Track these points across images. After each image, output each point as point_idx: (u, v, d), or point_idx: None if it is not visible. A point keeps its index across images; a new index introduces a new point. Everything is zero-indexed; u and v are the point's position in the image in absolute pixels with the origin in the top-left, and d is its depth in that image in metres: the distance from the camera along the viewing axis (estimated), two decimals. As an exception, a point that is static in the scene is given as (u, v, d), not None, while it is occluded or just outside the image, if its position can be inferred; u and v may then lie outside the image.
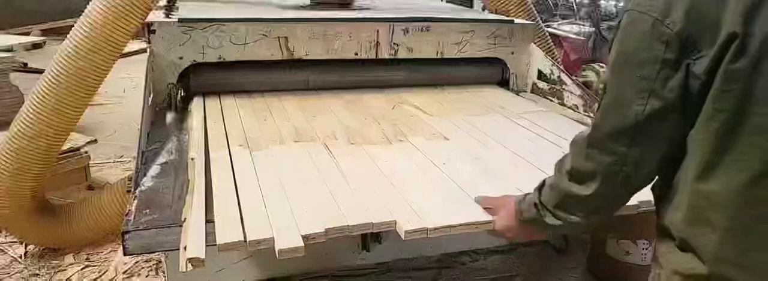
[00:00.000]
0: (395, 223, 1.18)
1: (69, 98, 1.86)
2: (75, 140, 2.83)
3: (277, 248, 1.06)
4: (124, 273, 2.15)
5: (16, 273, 2.17)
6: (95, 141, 2.91)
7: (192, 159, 1.40)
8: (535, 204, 1.03)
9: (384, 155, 1.56)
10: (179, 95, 1.99)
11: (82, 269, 2.19)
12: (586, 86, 2.34)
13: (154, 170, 1.45)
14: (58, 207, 2.23)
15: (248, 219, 1.15)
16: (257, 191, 1.29)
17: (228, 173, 1.37)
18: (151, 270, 2.16)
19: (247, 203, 1.21)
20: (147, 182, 1.38)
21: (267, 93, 2.14)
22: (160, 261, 2.18)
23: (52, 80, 1.84)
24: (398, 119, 1.90)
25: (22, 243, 2.31)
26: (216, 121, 1.79)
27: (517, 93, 2.42)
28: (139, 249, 1.17)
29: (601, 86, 0.93)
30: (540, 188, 1.04)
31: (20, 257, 2.26)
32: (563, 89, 2.26)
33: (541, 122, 1.93)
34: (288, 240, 1.08)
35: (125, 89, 4.56)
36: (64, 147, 2.72)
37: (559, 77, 2.30)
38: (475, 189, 1.33)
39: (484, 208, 1.24)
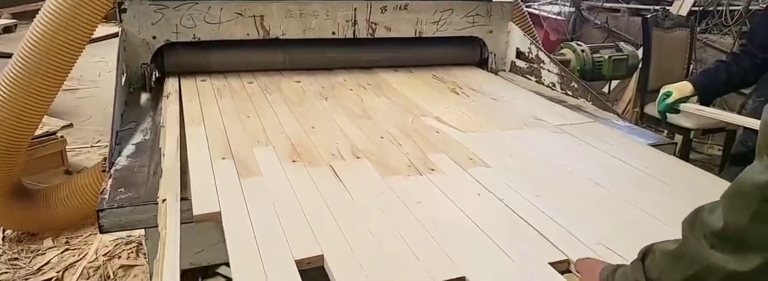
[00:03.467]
0: None
1: (39, 82, 1.83)
2: (50, 124, 2.80)
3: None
4: (105, 255, 2.15)
5: (-5, 257, 2.16)
6: (71, 126, 2.87)
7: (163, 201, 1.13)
8: None
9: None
10: (154, 76, 1.97)
11: (61, 252, 2.18)
12: (563, 64, 2.36)
13: (128, 149, 1.44)
14: (34, 191, 2.21)
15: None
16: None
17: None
18: (132, 252, 2.16)
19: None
20: (121, 161, 1.37)
21: (244, 75, 2.12)
22: (140, 244, 2.18)
23: (21, 64, 1.81)
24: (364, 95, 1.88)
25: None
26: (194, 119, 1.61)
27: (496, 73, 2.43)
28: (115, 226, 1.16)
29: None
30: (643, 257, 0.76)
31: (-2, 242, 2.24)
32: (541, 67, 2.27)
33: (582, 135, 1.60)
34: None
35: (100, 73, 4.48)
36: (39, 132, 2.71)
37: (537, 55, 2.31)
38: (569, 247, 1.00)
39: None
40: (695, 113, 1.82)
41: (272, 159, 1.35)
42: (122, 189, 1.22)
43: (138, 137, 1.52)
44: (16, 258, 2.15)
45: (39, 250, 2.20)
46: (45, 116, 2.89)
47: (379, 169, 1.32)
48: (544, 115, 1.78)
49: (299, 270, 0.91)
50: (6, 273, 2.06)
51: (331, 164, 1.34)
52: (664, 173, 1.35)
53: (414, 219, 1.09)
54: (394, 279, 0.89)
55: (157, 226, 1.08)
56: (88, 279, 2.04)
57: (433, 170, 1.34)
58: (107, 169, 1.32)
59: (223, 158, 1.34)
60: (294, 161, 1.35)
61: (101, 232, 1.17)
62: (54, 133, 2.77)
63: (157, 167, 1.31)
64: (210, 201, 1.11)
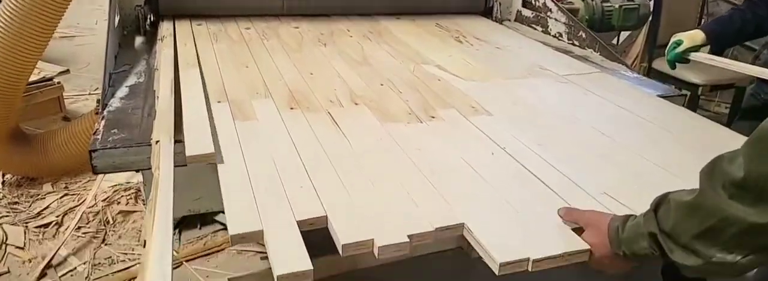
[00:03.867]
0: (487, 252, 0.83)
1: (32, 24, 1.77)
2: (46, 70, 2.75)
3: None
4: (104, 201, 2.15)
5: (-5, 201, 2.17)
6: (67, 71, 2.83)
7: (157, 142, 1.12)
8: (651, 234, 0.71)
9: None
10: (148, 19, 1.91)
11: (60, 197, 2.18)
12: (571, 13, 2.28)
13: (122, 91, 1.41)
14: (32, 137, 2.19)
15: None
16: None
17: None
18: (131, 198, 2.16)
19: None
20: (115, 103, 1.34)
21: (241, 21, 2.05)
22: (139, 190, 2.18)
23: (13, 6, 1.74)
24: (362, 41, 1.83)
25: (-1, 173, 2.29)
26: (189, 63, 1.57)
27: (501, 22, 2.36)
28: (108, 167, 1.15)
29: None
30: (656, 208, 0.73)
31: (-3, 186, 2.24)
32: (548, 16, 2.20)
33: (589, 85, 1.56)
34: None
35: (98, 21, 4.37)
36: (36, 77, 2.66)
37: (544, 3, 2.23)
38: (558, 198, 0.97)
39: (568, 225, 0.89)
40: (706, 63, 1.76)
41: (269, 105, 1.32)
42: (115, 130, 1.20)
43: (132, 80, 1.49)
44: (16, 202, 2.16)
45: (38, 195, 2.21)
46: (42, 63, 2.86)
47: (378, 116, 1.29)
48: (550, 64, 1.73)
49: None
50: (6, 216, 2.07)
51: (330, 110, 1.31)
52: (672, 124, 1.31)
53: (412, 165, 1.07)
54: (392, 227, 0.86)
55: (151, 168, 1.06)
56: (87, 223, 2.05)
57: (433, 117, 1.31)
58: (100, 110, 1.29)
59: (219, 102, 1.31)
60: (292, 108, 1.32)
61: (94, 173, 1.16)
62: (50, 79, 2.73)
63: (151, 109, 1.28)
64: (203, 142, 1.08)
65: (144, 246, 0.82)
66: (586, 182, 1.03)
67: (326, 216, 0.88)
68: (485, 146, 1.17)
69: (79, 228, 2.03)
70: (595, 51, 1.93)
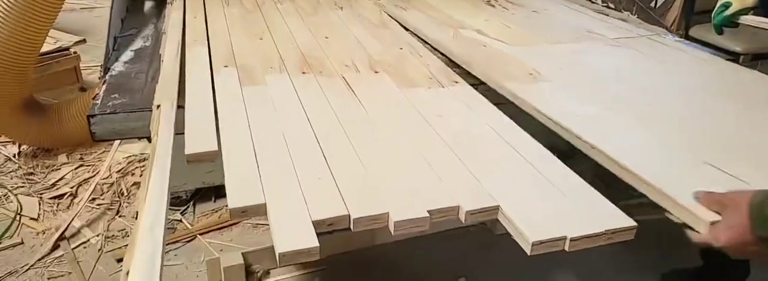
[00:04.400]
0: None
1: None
2: (62, 39, 2.70)
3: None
4: (118, 172, 2.11)
5: (11, 172, 2.14)
6: (84, 41, 2.77)
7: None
8: None
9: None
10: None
11: (75, 168, 2.15)
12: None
13: (126, 55, 1.33)
14: (47, 107, 2.15)
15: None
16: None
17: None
18: (145, 169, 2.11)
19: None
20: (118, 67, 1.27)
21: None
22: (154, 161, 2.13)
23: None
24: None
25: (15, 143, 2.26)
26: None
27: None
28: (109, 134, 1.08)
29: None
30: None
31: (14, 156, 2.21)
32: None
33: (644, 48, 1.43)
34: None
35: (117, -9, 4.32)
36: (52, 47, 2.62)
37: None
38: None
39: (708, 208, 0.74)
40: (758, 27, 1.60)
41: (280, 70, 1.23)
42: (116, 95, 1.12)
43: (138, 44, 1.41)
44: (32, 173, 2.14)
45: (54, 166, 2.18)
46: (59, 33, 2.81)
47: (400, 81, 1.19)
48: (596, 28, 1.59)
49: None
50: (22, 186, 2.05)
51: (345, 75, 1.21)
52: (750, 87, 1.18)
53: (434, 134, 0.97)
54: (409, 201, 0.76)
55: (149, 136, 0.98)
56: (101, 194, 2.01)
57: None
58: (102, 75, 1.22)
59: (226, 66, 1.22)
60: (304, 73, 1.22)
61: (94, 140, 1.09)
62: (67, 48, 2.68)
63: (156, 73, 1.20)
64: (205, 137, 0.91)
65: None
66: (678, 152, 0.89)
67: (339, 192, 0.78)
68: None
69: (93, 199, 2.00)
70: (632, 14, 1.78)
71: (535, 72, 1.24)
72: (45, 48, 2.19)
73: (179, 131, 0.95)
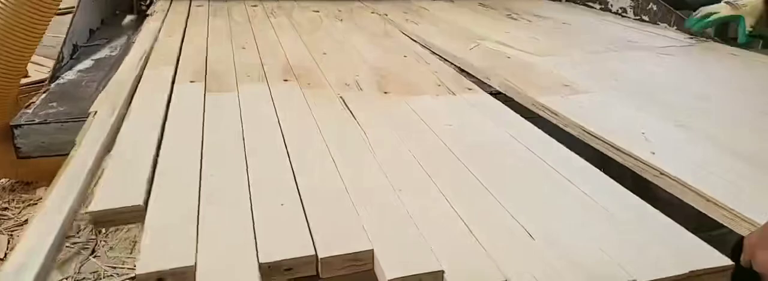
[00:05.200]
0: None
1: (22, 19, 1.56)
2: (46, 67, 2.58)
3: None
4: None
5: (-18, 207, 1.95)
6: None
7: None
8: None
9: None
10: (144, -3, 1.67)
11: (51, 203, 1.94)
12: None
13: (85, 64, 1.15)
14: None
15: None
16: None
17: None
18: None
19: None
20: (69, 75, 1.07)
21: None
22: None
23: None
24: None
25: (-8, 176, 2.08)
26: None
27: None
28: (37, 150, 0.87)
29: None
30: None
31: (-12, 190, 2.03)
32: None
33: (701, 57, 1.25)
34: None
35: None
36: (35, 78, 2.48)
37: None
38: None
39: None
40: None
41: (257, 79, 1.02)
42: (54, 104, 0.92)
43: (103, 53, 1.23)
44: (6, 208, 1.94)
45: (30, 200, 1.98)
46: (45, 59, 2.69)
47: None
48: (636, 37, 1.36)
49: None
50: (-9, 223, 1.84)
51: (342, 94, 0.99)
52: None
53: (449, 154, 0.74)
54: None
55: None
56: (77, 232, 1.80)
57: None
58: (48, 83, 1.03)
59: (192, 82, 1.00)
60: (286, 81, 1.01)
61: (18, 158, 0.87)
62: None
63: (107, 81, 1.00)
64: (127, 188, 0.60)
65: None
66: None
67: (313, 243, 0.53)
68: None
69: (69, 237, 1.78)
70: (670, 26, 1.56)
71: (570, 82, 1.01)
72: (38, 76, 2.06)
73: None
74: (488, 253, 0.51)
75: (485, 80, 1.04)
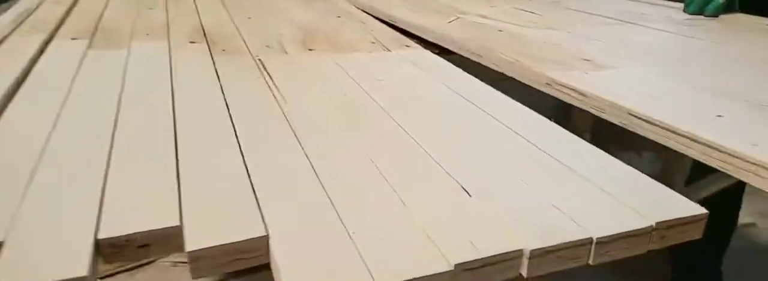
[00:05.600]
0: None
1: None
2: None
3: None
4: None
5: None
6: None
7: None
8: None
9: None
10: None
11: None
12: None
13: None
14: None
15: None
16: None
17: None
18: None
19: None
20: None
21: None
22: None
23: None
24: None
25: None
26: None
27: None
28: None
29: None
30: None
31: None
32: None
33: (733, 27, 1.07)
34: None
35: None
36: None
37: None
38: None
39: None
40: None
41: (157, 37, 0.86)
42: None
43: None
44: None
45: None
46: None
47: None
48: (649, 11, 1.20)
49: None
50: None
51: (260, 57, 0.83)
52: None
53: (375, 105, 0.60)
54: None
55: None
56: None
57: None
58: None
59: (74, 39, 0.83)
60: (192, 43, 0.85)
61: None
62: None
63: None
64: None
65: None
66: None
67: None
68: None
69: None
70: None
71: (589, 56, 0.82)
72: None
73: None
74: (411, 215, 0.38)
75: (475, 57, 0.84)
